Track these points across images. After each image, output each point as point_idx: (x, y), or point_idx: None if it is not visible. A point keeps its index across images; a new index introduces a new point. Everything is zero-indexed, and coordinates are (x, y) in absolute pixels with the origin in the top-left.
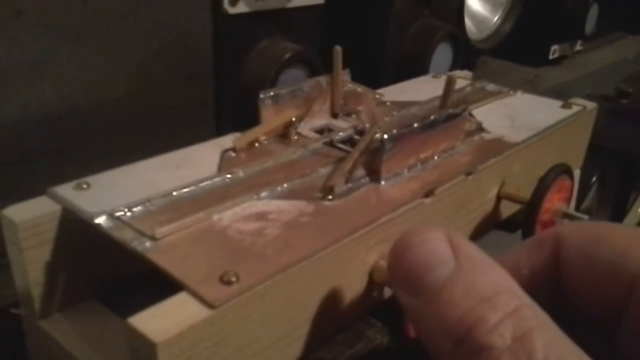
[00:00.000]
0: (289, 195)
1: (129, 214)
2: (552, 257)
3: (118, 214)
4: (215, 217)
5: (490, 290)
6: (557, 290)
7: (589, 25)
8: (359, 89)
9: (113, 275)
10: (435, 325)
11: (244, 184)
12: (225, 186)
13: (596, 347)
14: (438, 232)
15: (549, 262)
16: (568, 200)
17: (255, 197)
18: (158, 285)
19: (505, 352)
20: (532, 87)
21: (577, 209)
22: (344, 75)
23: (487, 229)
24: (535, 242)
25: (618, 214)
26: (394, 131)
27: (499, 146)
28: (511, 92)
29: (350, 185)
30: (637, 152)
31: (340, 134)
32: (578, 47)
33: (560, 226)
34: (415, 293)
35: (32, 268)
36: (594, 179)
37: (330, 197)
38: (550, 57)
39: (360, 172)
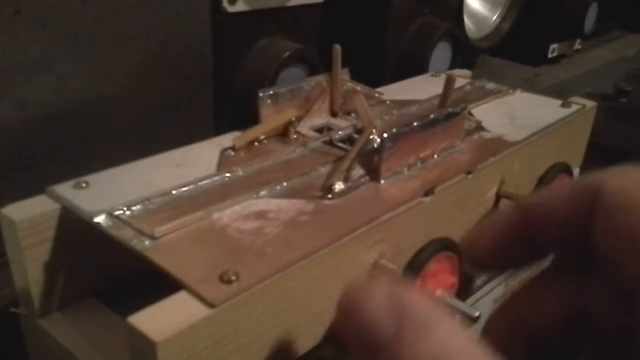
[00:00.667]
0: (289, 194)
1: (128, 212)
2: (590, 208)
3: (117, 212)
4: (215, 215)
5: (433, 356)
6: (588, 244)
7: (588, 24)
8: (358, 87)
9: (112, 274)
10: None
11: (243, 182)
12: (225, 185)
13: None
14: (378, 290)
15: (587, 213)
16: None
17: (255, 195)
18: (157, 284)
19: None
20: (532, 86)
21: None
22: (344, 74)
23: None
24: (576, 188)
25: None
26: (394, 130)
27: (498, 145)
28: (510, 91)
29: (349, 184)
30: (636, 150)
31: (340, 132)
32: (577, 46)
33: (605, 173)
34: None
35: (31, 267)
36: None
37: (329, 196)
38: (550, 55)
39: (359, 171)
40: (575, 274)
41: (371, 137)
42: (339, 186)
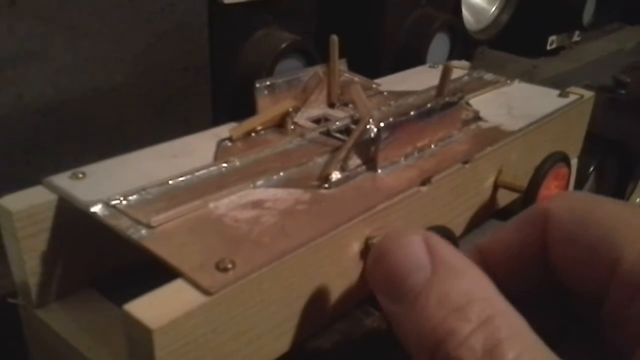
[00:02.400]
0: (286, 183)
1: (124, 202)
2: (541, 234)
3: (114, 202)
4: (212, 205)
5: (464, 299)
6: (546, 268)
7: (587, 16)
8: (356, 78)
9: (110, 264)
10: (412, 333)
11: (240, 172)
12: (222, 175)
13: (584, 329)
14: (415, 236)
15: (538, 239)
16: (565, 188)
17: (252, 185)
18: (155, 274)
19: None
20: (530, 78)
21: None
22: (341, 65)
23: (484, 217)
24: (524, 218)
25: None
26: (390, 119)
27: (496, 135)
28: (508, 82)
29: (346, 173)
30: (634, 142)
31: (337, 123)
32: (576, 38)
33: (550, 201)
34: (395, 300)
35: (28, 257)
36: (592, 169)
37: (326, 185)
38: (548, 47)
39: (356, 160)
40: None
41: (368, 126)
42: (335, 176)
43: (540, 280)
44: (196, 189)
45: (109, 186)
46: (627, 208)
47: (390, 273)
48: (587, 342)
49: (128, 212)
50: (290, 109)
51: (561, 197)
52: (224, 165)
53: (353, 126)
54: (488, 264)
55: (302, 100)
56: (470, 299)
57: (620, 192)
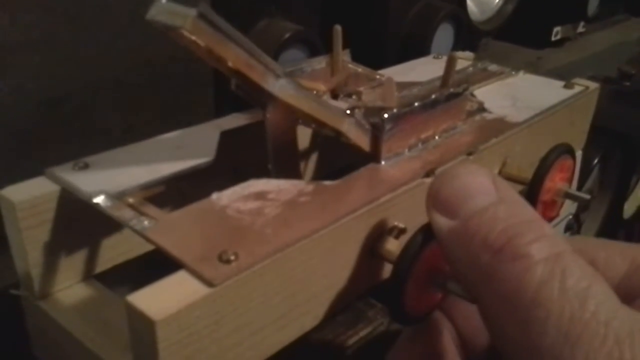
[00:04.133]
0: None
1: (127, 193)
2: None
3: (116, 193)
4: (214, 196)
5: (530, 217)
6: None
7: (592, 7)
8: (360, 69)
9: (112, 255)
10: (473, 240)
11: None
12: None
13: None
14: (483, 169)
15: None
16: (570, 180)
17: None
18: (158, 265)
19: (541, 263)
20: (535, 69)
21: (578, 191)
22: (344, 56)
23: None
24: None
25: (619, 197)
26: (394, 110)
27: (500, 126)
28: (513, 73)
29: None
30: (639, 134)
31: None
32: (580, 29)
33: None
34: (456, 215)
35: (31, 248)
36: (596, 161)
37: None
38: (553, 39)
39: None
40: None
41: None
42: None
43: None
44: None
45: (112, 177)
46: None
47: (456, 191)
48: None
49: (131, 203)
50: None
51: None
52: None
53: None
54: None
55: (328, 88)
56: (537, 219)
57: (623, 184)
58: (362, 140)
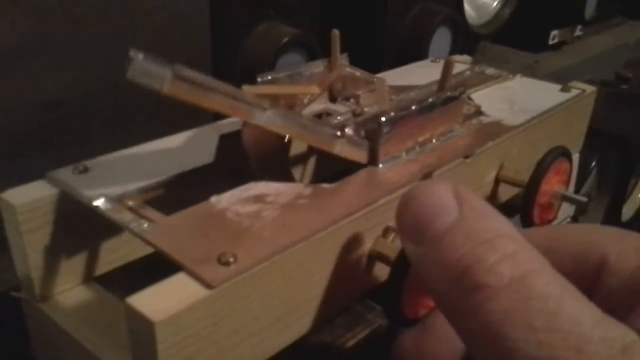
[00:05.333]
0: None
1: (127, 196)
2: None
3: (116, 196)
4: (213, 199)
5: (491, 234)
6: None
7: (589, 10)
8: (357, 73)
9: (112, 258)
10: (435, 268)
11: None
12: None
13: None
14: (444, 184)
15: None
16: (567, 183)
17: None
18: (157, 267)
19: (502, 291)
20: (532, 73)
21: (576, 194)
22: (342, 59)
23: None
24: None
25: (617, 200)
26: (392, 114)
27: (497, 129)
28: (510, 76)
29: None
30: (637, 137)
31: (339, 117)
32: (578, 33)
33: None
34: (420, 241)
35: (31, 251)
36: (593, 164)
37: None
38: (550, 42)
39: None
40: None
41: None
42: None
43: None
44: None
45: (112, 180)
46: (589, 224)
47: (418, 216)
48: None
49: (130, 206)
50: (310, 96)
51: (526, 231)
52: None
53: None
54: None
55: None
56: (497, 234)
57: (621, 187)
58: (357, 155)
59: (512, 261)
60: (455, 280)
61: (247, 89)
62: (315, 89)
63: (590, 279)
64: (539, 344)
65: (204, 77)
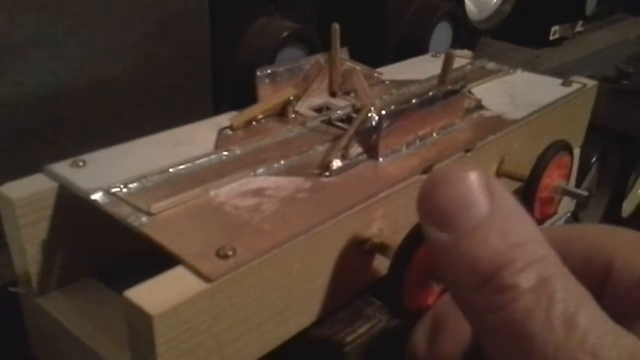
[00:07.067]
0: (286, 172)
1: (125, 190)
2: None
3: (114, 190)
4: (212, 193)
5: (522, 238)
6: None
7: (590, 6)
8: (357, 67)
9: (111, 252)
10: (462, 262)
11: (240, 160)
12: (222, 163)
13: None
14: (477, 173)
15: None
16: (567, 177)
17: (252, 173)
18: (156, 262)
19: (527, 292)
20: (533, 69)
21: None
22: (342, 54)
23: None
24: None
25: (618, 195)
26: (392, 108)
27: (498, 123)
28: (511, 71)
29: (347, 161)
30: (637, 132)
31: (339, 112)
32: (579, 28)
33: None
34: (446, 227)
35: (29, 245)
36: (594, 159)
37: (327, 173)
38: (551, 38)
39: (358, 149)
40: None
41: (369, 115)
42: (336, 164)
43: None
44: (196, 176)
45: (110, 174)
46: (601, 225)
47: (446, 202)
48: None
49: (128, 199)
50: (292, 98)
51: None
52: (225, 153)
53: (354, 115)
54: None
55: (303, 88)
56: (527, 239)
57: (622, 183)
58: None
59: (539, 266)
60: (484, 280)
61: (231, 119)
62: (292, 90)
63: (598, 282)
64: (558, 344)
65: None
